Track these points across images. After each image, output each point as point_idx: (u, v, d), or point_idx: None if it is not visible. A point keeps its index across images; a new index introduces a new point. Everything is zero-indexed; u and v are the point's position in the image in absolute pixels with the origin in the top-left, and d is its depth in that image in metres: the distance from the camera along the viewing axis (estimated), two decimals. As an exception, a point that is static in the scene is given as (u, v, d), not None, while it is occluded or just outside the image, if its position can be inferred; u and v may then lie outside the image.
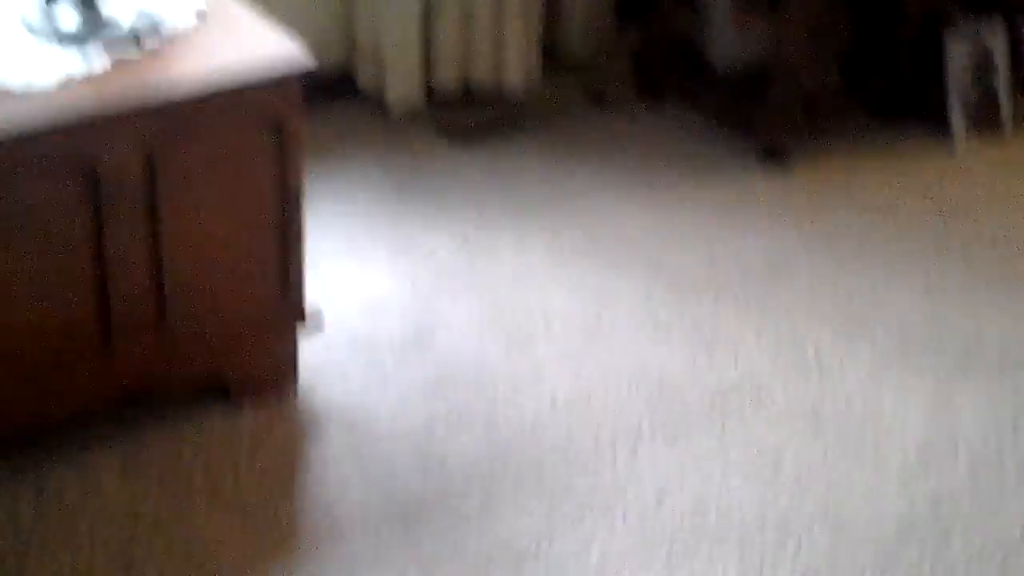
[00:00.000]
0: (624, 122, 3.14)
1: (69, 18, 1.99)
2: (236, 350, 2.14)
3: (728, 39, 3.06)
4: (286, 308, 2.16)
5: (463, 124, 3.07)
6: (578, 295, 2.58)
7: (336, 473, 2.12)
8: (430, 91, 3.11)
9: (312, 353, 2.32)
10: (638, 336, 2.48)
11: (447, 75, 3.09)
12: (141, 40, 1.99)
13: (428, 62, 3.08)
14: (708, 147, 3.05)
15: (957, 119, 3.06)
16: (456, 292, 2.58)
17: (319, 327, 2.24)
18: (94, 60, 1.93)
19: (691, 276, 2.66)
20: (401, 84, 3.03)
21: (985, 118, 3.10)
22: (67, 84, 1.88)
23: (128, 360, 2.01)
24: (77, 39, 1.95)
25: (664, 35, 3.16)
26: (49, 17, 1.98)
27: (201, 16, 2.09)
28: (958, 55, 3.04)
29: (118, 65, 1.94)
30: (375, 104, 3.08)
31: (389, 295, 2.56)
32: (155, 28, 2.01)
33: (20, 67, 1.89)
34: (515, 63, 3.09)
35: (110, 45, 1.96)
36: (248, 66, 1.96)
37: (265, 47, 2.01)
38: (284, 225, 2.09)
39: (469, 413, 2.27)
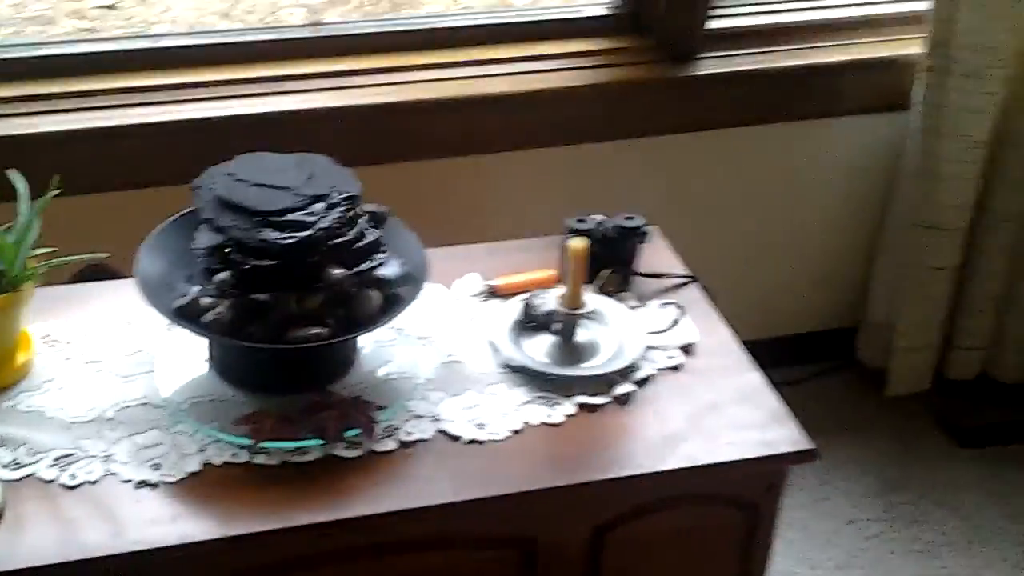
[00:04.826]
0: None
1: (542, 349, 1.66)
2: None
3: None
4: None
5: (975, 422, 2.52)
6: None
7: None
8: (938, 377, 2.59)
9: None
10: None
11: (964, 364, 2.56)
12: (613, 384, 1.64)
13: (944, 346, 2.56)
14: None
15: None
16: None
17: None
18: (557, 406, 1.57)
19: None
20: (907, 367, 2.52)
21: None
22: (521, 435, 1.54)
23: None
24: (545, 377, 1.60)
25: None
26: (519, 346, 1.66)
27: (688, 352, 1.72)
28: None
29: (581, 414, 1.57)
30: (872, 377, 2.59)
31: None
32: (631, 369, 1.63)
33: (476, 406, 1.57)
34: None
35: (579, 385, 1.60)
36: (728, 438, 1.54)
37: (752, 410, 1.58)
38: (740, 611, 1.70)
39: None
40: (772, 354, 1.91)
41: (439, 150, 2.27)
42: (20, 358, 1.57)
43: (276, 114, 2.15)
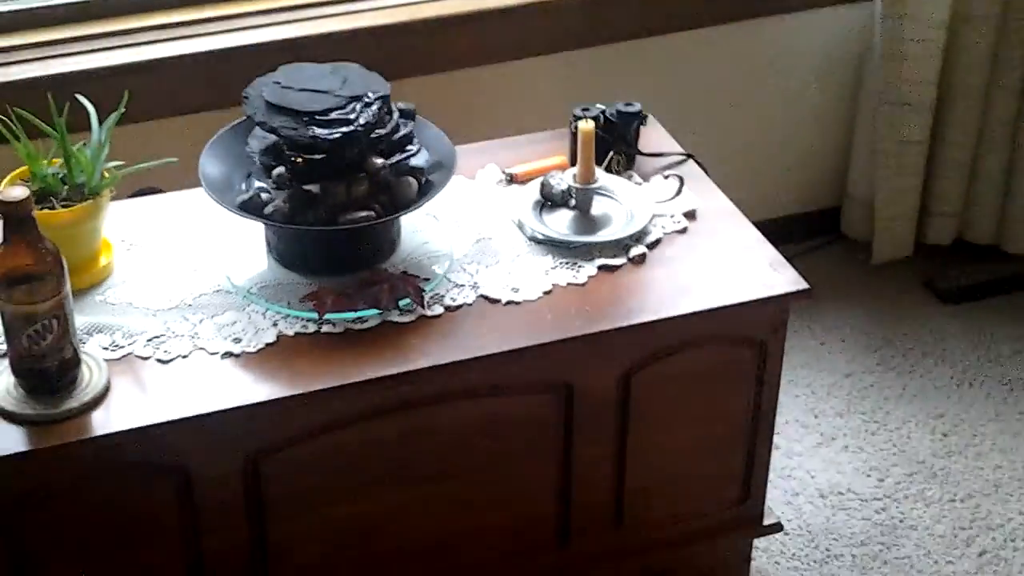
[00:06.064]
0: None
1: (562, 222, 1.85)
2: (688, 549, 1.93)
3: None
4: (744, 514, 1.93)
5: (955, 281, 2.71)
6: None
7: None
8: (918, 243, 2.78)
9: (765, 546, 2.11)
10: None
11: (941, 229, 2.74)
12: (628, 247, 1.84)
13: (921, 214, 2.75)
14: None
15: None
16: (927, 492, 2.24)
17: (776, 529, 1.99)
18: (580, 269, 1.77)
19: None
20: (889, 236, 2.70)
21: None
22: (551, 295, 1.75)
23: (581, 557, 1.85)
24: (567, 245, 1.81)
25: None
26: (542, 221, 1.85)
27: (691, 217, 1.90)
28: None
29: (602, 274, 1.77)
30: (859, 248, 2.79)
31: (851, 485, 2.26)
32: (643, 234, 1.82)
33: (510, 273, 1.77)
34: (1021, 224, 2.71)
35: (598, 250, 1.80)
36: (734, 285, 1.75)
37: (753, 260, 1.79)
38: (752, 438, 1.86)
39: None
40: (764, 234, 2.08)
41: (446, 63, 2.44)
42: (103, 259, 1.76)
43: (305, 37, 2.31)
